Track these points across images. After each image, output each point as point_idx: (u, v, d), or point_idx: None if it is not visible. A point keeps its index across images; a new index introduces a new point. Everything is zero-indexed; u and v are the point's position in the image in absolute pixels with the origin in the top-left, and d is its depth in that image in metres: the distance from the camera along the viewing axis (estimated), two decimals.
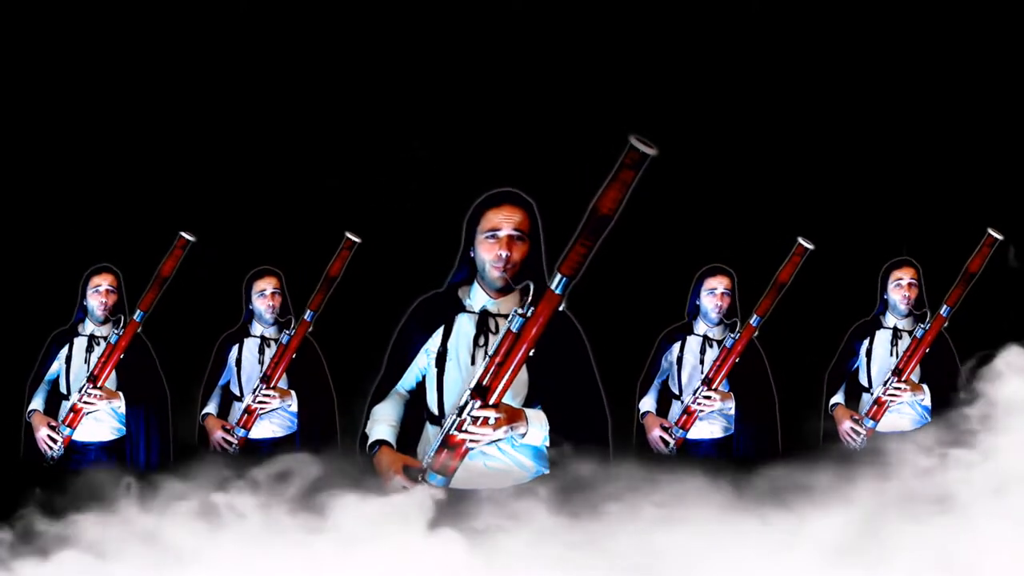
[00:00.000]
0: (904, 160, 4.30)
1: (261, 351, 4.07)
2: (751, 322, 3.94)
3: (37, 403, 3.97)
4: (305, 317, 4.00)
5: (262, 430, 4.03)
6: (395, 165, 4.31)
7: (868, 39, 4.25)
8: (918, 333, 3.95)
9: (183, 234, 3.80)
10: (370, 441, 2.55)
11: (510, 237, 2.46)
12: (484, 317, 2.50)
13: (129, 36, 4.23)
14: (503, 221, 2.47)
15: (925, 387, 3.97)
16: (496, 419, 2.33)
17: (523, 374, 2.42)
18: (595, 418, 2.55)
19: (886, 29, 4.22)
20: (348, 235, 3.93)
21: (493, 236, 2.47)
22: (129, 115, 4.28)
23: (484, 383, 2.32)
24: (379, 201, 4.29)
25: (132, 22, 4.21)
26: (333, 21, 4.23)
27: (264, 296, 4.06)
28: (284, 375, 4.02)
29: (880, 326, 4.09)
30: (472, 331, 2.51)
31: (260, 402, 3.99)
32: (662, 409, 4.08)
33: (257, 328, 4.10)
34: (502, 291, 2.51)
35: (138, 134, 4.29)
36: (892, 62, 4.26)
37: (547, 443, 2.44)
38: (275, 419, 4.04)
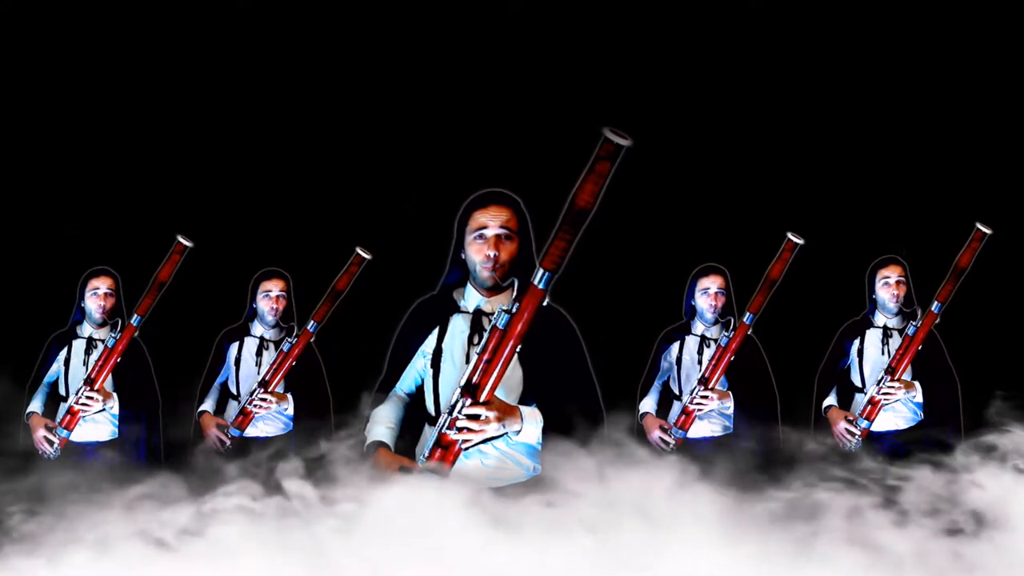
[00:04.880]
0: (897, 156, 4.30)
1: (259, 352, 4.08)
2: (744, 320, 3.92)
3: (35, 405, 3.99)
4: (308, 327, 4.01)
5: (256, 430, 4.04)
6: (393, 172, 4.33)
7: (860, 38, 4.25)
8: (909, 331, 3.93)
9: (180, 239, 3.79)
10: (368, 443, 2.55)
11: (497, 236, 2.49)
12: (477, 316, 2.52)
13: (146, 46, 4.26)
14: (490, 220, 2.50)
15: (917, 384, 3.95)
16: (486, 416, 2.34)
17: (517, 371, 2.44)
18: (590, 413, 2.53)
19: (879, 28, 4.23)
20: (358, 251, 3.93)
21: (481, 236, 2.50)
22: (138, 121, 4.31)
23: (473, 381, 2.33)
24: (380, 207, 4.31)
25: (146, 30, 4.24)
26: (332, 25, 4.25)
27: (269, 297, 4.08)
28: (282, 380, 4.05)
29: (870, 325, 4.07)
30: (466, 331, 2.52)
31: (257, 405, 4.01)
32: (664, 410, 4.06)
33: (258, 328, 4.12)
34: (494, 290, 2.53)
35: (144, 138, 4.31)
36: (883, 60, 4.26)
37: (540, 440, 2.44)
38: (269, 420, 4.06)
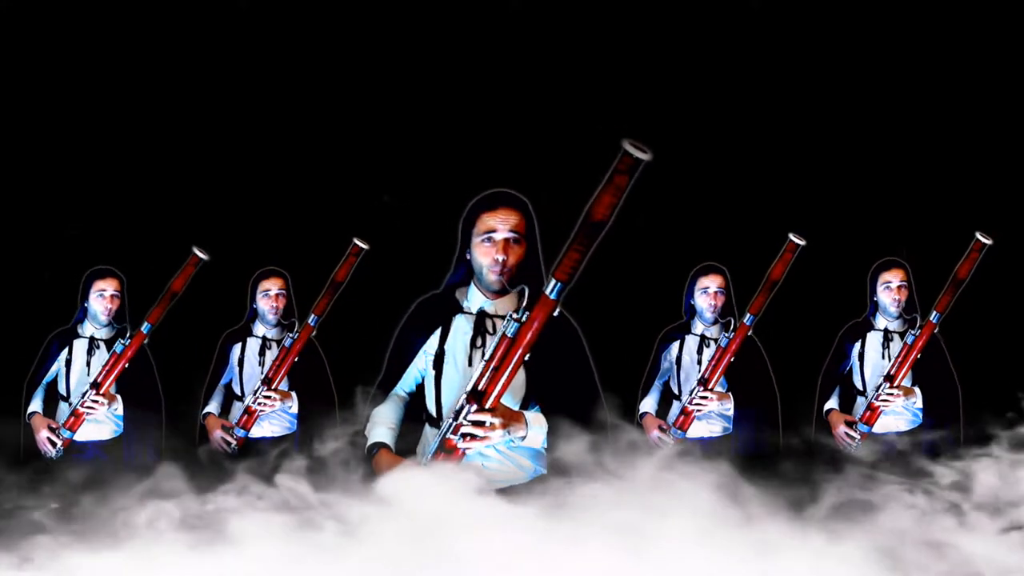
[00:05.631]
0: (900, 159, 4.28)
1: (262, 352, 4.07)
2: (745, 321, 3.91)
3: (36, 404, 3.97)
4: (309, 321, 4.00)
5: (261, 430, 4.03)
6: (393, 170, 4.32)
7: (863, 40, 4.24)
8: (908, 339, 3.93)
9: (196, 252, 3.81)
10: (368, 443, 2.55)
11: (506, 240, 2.46)
12: (481, 318, 2.51)
13: (145, 45, 4.23)
14: (499, 223, 2.47)
15: (917, 390, 3.95)
16: (492, 423, 2.33)
17: (520, 375, 2.42)
18: (594, 416, 2.52)
19: (882, 30, 4.22)
20: (356, 241, 3.91)
21: (489, 239, 2.47)
22: (137, 120, 4.28)
23: (480, 387, 2.31)
24: (380, 204, 4.30)
25: (144, 29, 4.21)
26: (334, 24, 4.24)
27: (268, 296, 4.06)
28: (286, 377, 4.03)
29: (871, 328, 4.06)
30: (469, 332, 2.51)
31: (260, 403, 3.99)
32: (664, 410, 4.05)
33: (259, 328, 4.10)
34: (499, 292, 2.51)
35: (143, 137, 4.29)
36: (885, 62, 4.25)
37: (545, 444, 2.44)
38: (274, 419, 4.04)
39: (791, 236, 3.85)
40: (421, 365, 2.59)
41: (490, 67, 4.20)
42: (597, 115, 4.06)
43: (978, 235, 3.83)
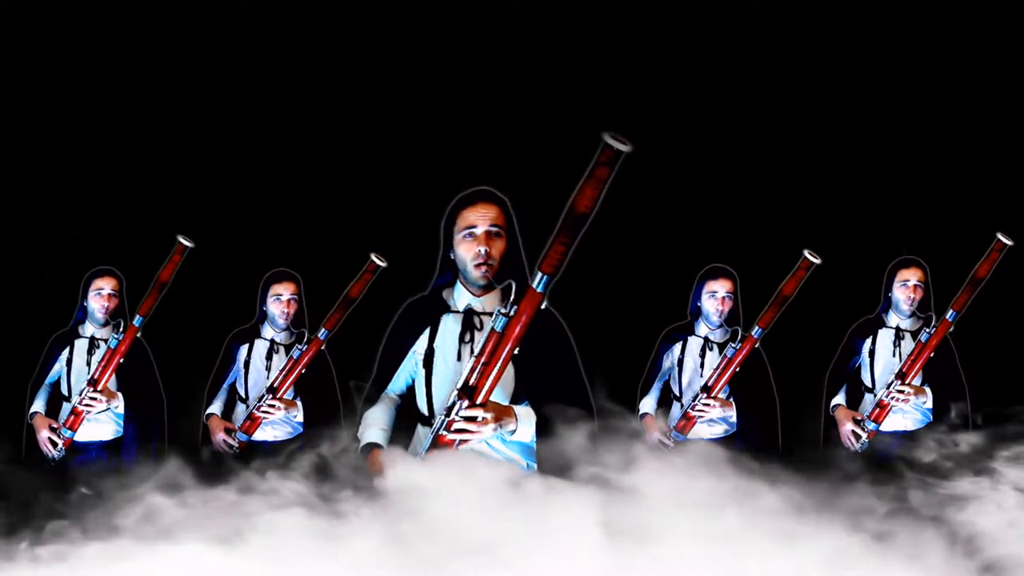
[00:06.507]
0: (912, 162, 4.26)
1: (269, 356, 4.04)
2: (753, 334, 3.85)
3: (38, 405, 3.98)
4: (319, 335, 3.96)
5: (264, 433, 4.02)
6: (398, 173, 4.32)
7: (873, 41, 4.21)
8: (923, 337, 3.87)
9: (181, 240, 3.76)
10: (361, 444, 2.57)
11: (487, 233, 2.49)
12: (469, 315, 2.53)
13: (149, 46, 4.27)
14: (479, 218, 2.49)
15: (927, 389, 3.89)
16: (483, 417, 2.35)
17: (509, 371, 2.44)
18: (582, 411, 2.50)
19: (891, 31, 4.19)
20: (373, 258, 3.85)
21: (470, 234, 2.49)
22: (142, 122, 4.33)
23: (471, 383, 2.34)
24: (381, 208, 4.31)
25: (148, 30, 4.26)
26: (334, 25, 4.26)
27: (280, 301, 4.02)
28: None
29: (883, 325, 4.01)
30: (458, 330, 2.53)
31: (265, 412, 3.97)
32: (663, 409, 4.01)
33: (268, 331, 4.08)
34: (485, 289, 2.53)
35: (149, 139, 4.33)
36: (896, 64, 4.22)
37: (535, 439, 2.45)
38: (278, 424, 4.02)
39: (806, 253, 3.77)
40: (411, 366, 2.61)
41: (495, 69, 4.21)
42: (604, 118, 4.04)
43: (999, 235, 3.75)
